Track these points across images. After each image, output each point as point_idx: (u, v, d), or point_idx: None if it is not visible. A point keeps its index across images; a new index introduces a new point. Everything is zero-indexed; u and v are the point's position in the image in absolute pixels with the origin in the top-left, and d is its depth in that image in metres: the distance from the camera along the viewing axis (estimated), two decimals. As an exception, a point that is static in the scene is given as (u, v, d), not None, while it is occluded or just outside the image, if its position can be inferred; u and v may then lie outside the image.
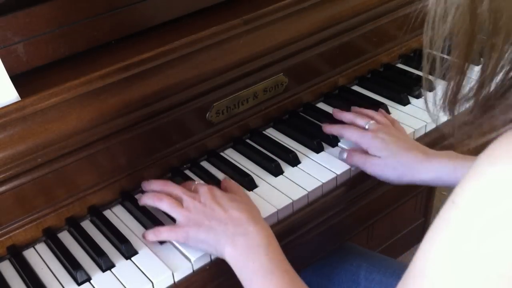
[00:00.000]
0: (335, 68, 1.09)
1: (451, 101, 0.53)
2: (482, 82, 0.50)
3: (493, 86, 0.50)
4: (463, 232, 0.45)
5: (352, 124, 0.95)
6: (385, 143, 0.87)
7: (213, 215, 0.75)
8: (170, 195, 0.81)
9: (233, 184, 0.85)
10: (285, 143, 0.98)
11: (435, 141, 0.99)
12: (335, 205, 0.89)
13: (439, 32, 0.49)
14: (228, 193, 0.81)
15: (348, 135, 0.92)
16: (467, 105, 0.52)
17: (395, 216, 1.65)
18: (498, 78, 0.49)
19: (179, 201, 0.79)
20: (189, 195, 0.79)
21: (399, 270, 0.98)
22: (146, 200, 0.83)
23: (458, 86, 0.51)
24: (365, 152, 0.89)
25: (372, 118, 0.94)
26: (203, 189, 0.79)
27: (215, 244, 0.74)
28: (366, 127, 0.92)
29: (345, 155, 0.91)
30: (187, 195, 0.79)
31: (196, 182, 0.84)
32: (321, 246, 0.92)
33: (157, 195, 0.82)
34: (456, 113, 0.53)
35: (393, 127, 0.92)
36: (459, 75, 0.51)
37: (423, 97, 1.06)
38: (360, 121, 0.94)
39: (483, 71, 0.49)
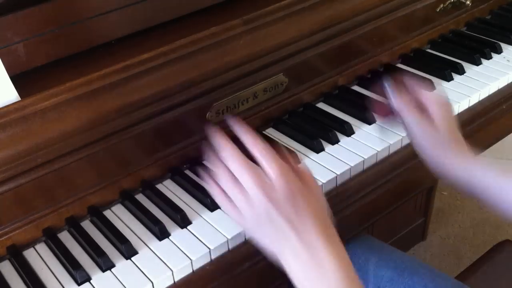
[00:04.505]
0: (335, 68, 1.09)
1: None
2: None
3: None
4: None
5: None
6: (452, 115, 0.79)
7: (280, 213, 0.61)
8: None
9: (306, 172, 0.65)
10: (285, 143, 0.98)
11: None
12: (335, 205, 0.89)
13: None
14: (301, 184, 0.63)
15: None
16: None
17: (395, 216, 1.65)
18: None
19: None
20: (257, 182, 0.61)
21: (412, 266, 0.92)
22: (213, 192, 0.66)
23: None
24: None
25: None
26: (281, 176, 0.61)
27: (277, 250, 0.62)
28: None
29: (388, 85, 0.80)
30: (254, 182, 0.61)
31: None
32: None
33: (212, 184, 0.65)
34: None
35: None
36: None
37: None
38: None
39: None
